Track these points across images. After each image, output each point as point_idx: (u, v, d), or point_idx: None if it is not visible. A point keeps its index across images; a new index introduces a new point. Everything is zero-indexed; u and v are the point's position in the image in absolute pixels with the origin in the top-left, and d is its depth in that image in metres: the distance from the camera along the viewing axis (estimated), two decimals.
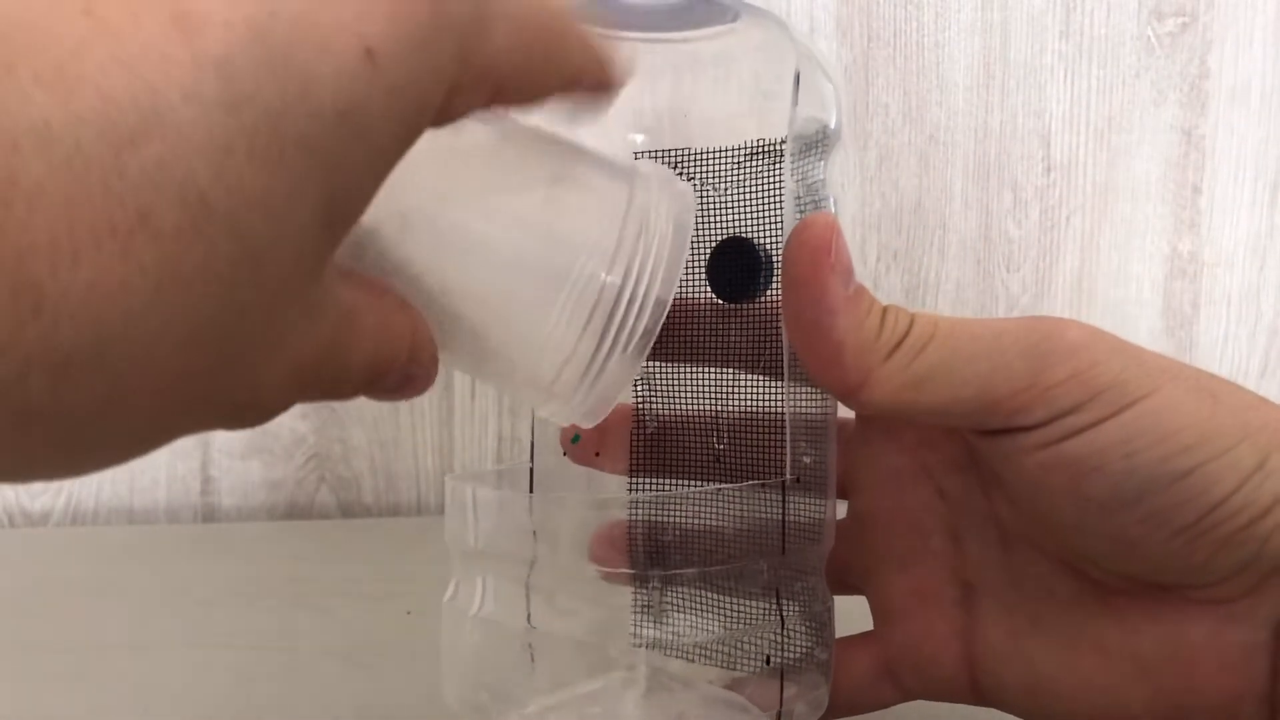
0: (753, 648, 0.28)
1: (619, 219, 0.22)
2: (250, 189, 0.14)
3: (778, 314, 0.28)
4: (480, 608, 0.29)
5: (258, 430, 0.63)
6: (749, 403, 0.28)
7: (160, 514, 0.64)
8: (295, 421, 0.64)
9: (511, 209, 0.22)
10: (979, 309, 0.67)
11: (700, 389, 0.29)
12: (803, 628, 0.28)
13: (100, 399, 0.14)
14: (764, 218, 0.28)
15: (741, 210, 0.28)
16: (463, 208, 0.22)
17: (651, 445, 0.29)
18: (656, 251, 0.22)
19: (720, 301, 0.28)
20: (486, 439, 0.65)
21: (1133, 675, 0.26)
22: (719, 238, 0.28)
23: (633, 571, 0.27)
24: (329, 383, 0.19)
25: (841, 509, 0.31)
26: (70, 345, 0.14)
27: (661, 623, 0.27)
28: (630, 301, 0.22)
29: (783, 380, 0.28)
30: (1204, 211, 0.68)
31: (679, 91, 0.28)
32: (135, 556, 0.56)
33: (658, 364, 0.29)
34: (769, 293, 0.28)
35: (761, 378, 0.28)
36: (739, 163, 0.28)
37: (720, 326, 0.28)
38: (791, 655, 0.28)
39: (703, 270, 0.28)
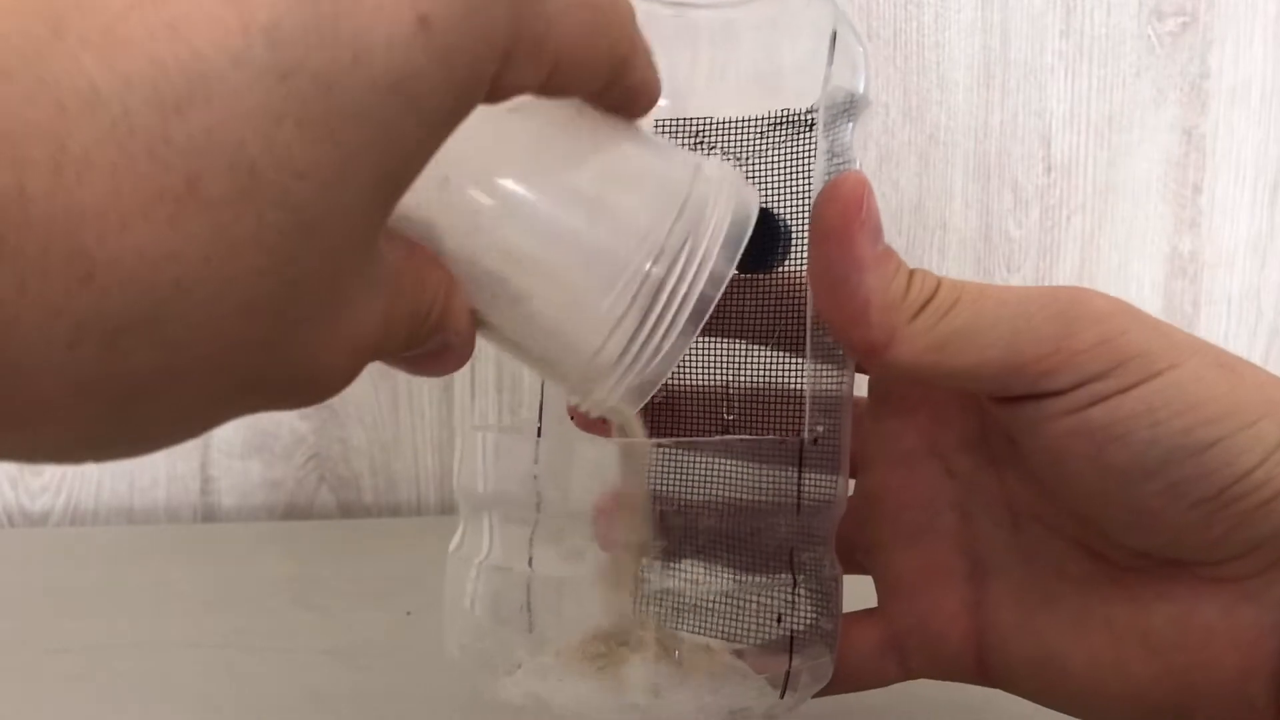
0: (763, 606, 0.27)
1: (675, 207, 0.22)
2: (300, 159, 0.14)
3: (795, 285, 0.28)
4: (487, 555, 0.28)
5: (257, 430, 0.63)
6: (761, 374, 0.28)
7: (160, 514, 0.64)
8: (295, 421, 0.64)
9: (565, 179, 0.22)
10: None
11: (710, 359, 0.29)
12: (811, 595, 0.28)
13: (154, 369, 0.14)
14: (785, 188, 0.28)
15: (762, 181, 0.28)
16: (510, 172, 0.21)
17: (659, 414, 0.29)
18: (707, 247, 0.22)
19: (736, 272, 0.28)
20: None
21: (1142, 653, 0.26)
22: None
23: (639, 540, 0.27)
24: (378, 348, 0.19)
25: (850, 487, 0.31)
26: (122, 313, 0.13)
27: (673, 573, 0.26)
28: (672, 295, 0.22)
29: (795, 352, 0.28)
30: (1204, 211, 0.68)
31: (712, 59, 0.28)
32: (135, 556, 0.56)
33: None
34: (787, 264, 0.27)
35: (774, 349, 0.28)
36: (762, 133, 0.28)
37: (735, 297, 0.28)
38: (800, 622, 0.27)
39: None
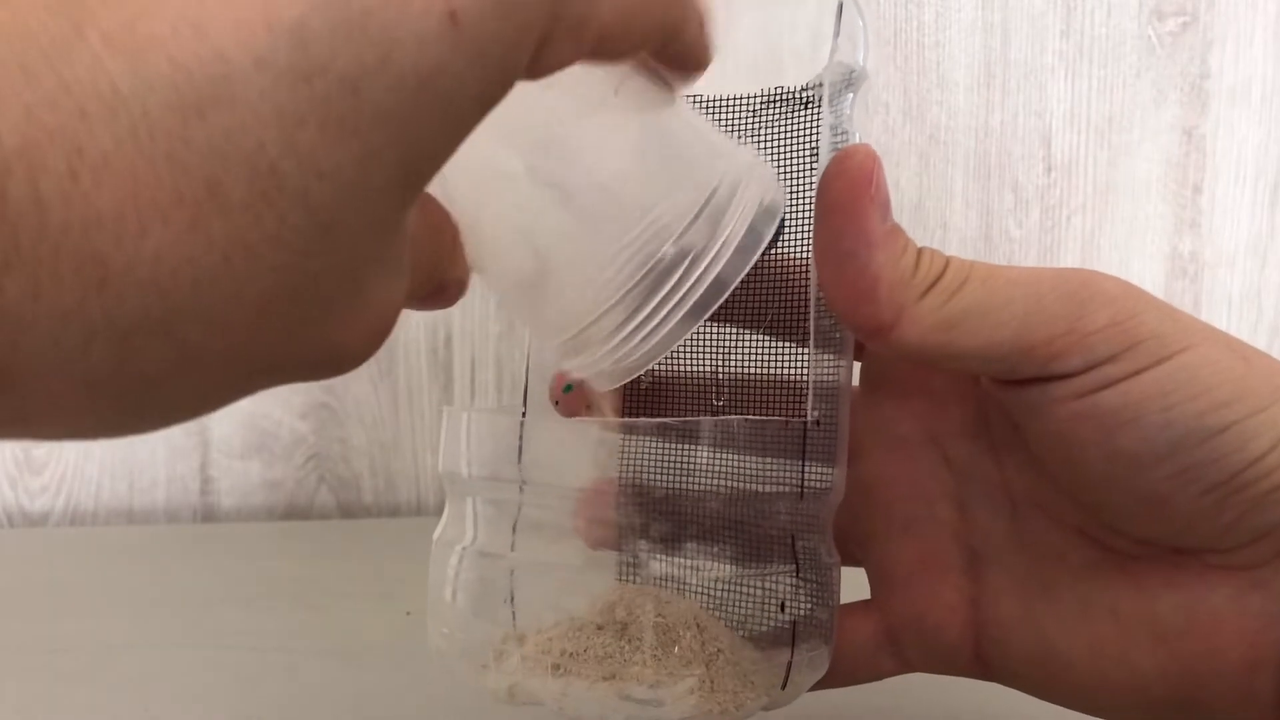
0: (767, 592, 0.27)
1: (705, 192, 0.22)
2: (323, 160, 0.14)
3: (793, 267, 0.27)
4: (472, 540, 0.28)
5: (257, 430, 0.63)
6: (753, 359, 0.28)
7: (160, 514, 0.64)
8: (295, 421, 0.64)
9: (593, 151, 0.21)
10: None
11: (699, 344, 0.28)
12: (809, 584, 0.27)
13: (167, 365, 0.14)
14: (782, 167, 0.27)
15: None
16: (537, 136, 0.21)
17: (645, 400, 0.29)
18: (730, 234, 0.22)
19: None
20: None
21: (1148, 642, 0.26)
22: None
23: (625, 522, 0.26)
24: (395, 320, 0.18)
25: None
26: (136, 316, 0.13)
27: (674, 556, 0.26)
28: (682, 279, 0.21)
29: (791, 337, 0.27)
30: (1205, 211, 0.68)
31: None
32: (135, 556, 0.56)
33: None
34: (784, 245, 0.27)
35: (770, 334, 0.28)
36: (755, 111, 0.27)
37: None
38: (801, 610, 0.27)
39: None
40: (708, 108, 0.27)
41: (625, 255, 0.21)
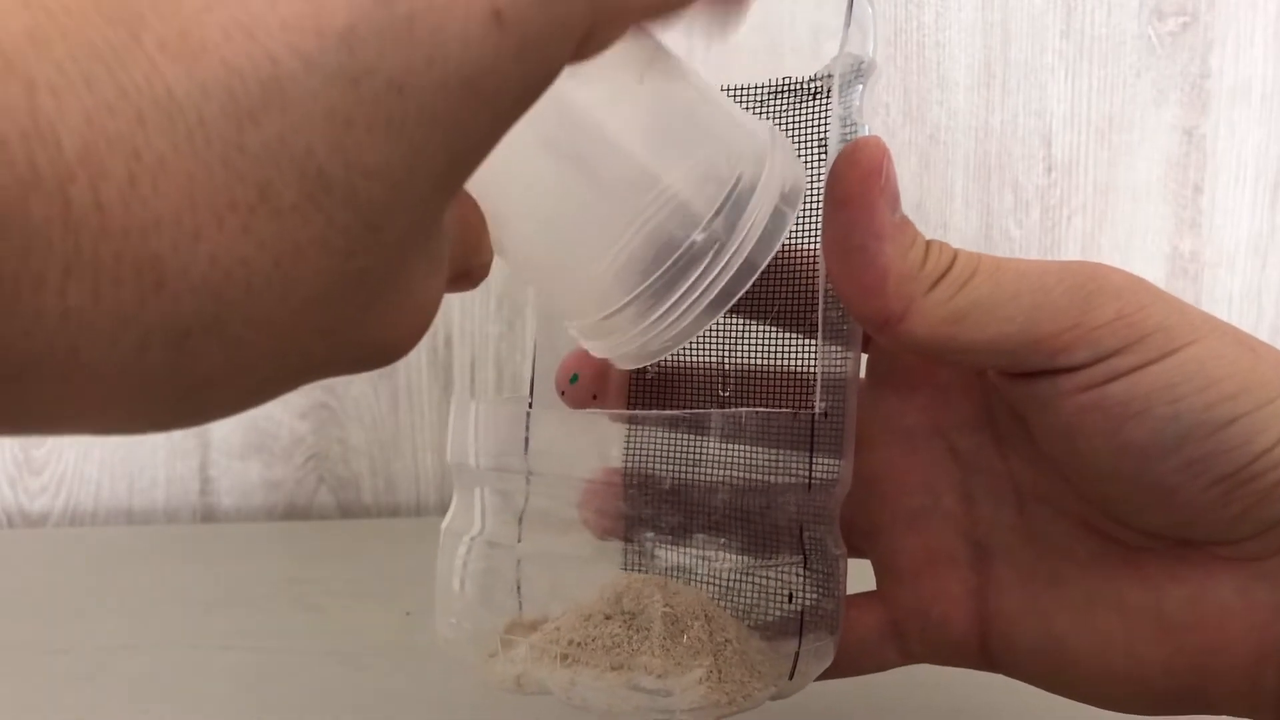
0: (777, 582, 0.27)
1: (729, 180, 0.22)
2: (369, 161, 0.14)
3: (801, 258, 0.27)
4: (480, 530, 0.28)
5: (257, 430, 0.63)
6: (760, 350, 0.28)
7: (159, 514, 0.64)
8: (295, 421, 0.64)
9: (622, 138, 0.21)
10: None
11: (706, 335, 0.28)
12: (816, 575, 0.27)
13: (220, 365, 0.15)
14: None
15: None
16: (567, 121, 0.21)
17: (651, 390, 0.29)
18: (754, 223, 0.22)
19: None
20: None
21: (1154, 635, 0.26)
22: None
23: (631, 513, 0.26)
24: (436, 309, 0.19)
25: None
26: (191, 318, 0.14)
27: (682, 546, 0.26)
28: (711, 264, 0.21)
29: (798, 328, 0.27)
30: (1205, 211, 0.68)
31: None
32: (134, 557, 0.55)
33: None
34: (791, 236, 0.27)
35: (778, 325, 0.28)
36: (762, 101, 0.27)
37: None
38: (808, 600, 0.27)
39: None
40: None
41: (641, 220, 0.21)
